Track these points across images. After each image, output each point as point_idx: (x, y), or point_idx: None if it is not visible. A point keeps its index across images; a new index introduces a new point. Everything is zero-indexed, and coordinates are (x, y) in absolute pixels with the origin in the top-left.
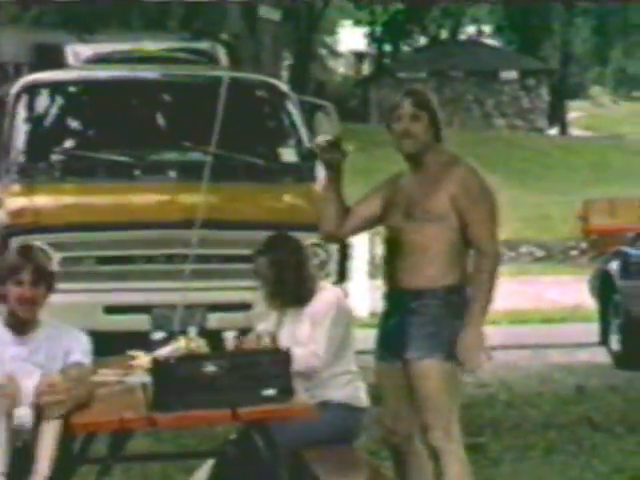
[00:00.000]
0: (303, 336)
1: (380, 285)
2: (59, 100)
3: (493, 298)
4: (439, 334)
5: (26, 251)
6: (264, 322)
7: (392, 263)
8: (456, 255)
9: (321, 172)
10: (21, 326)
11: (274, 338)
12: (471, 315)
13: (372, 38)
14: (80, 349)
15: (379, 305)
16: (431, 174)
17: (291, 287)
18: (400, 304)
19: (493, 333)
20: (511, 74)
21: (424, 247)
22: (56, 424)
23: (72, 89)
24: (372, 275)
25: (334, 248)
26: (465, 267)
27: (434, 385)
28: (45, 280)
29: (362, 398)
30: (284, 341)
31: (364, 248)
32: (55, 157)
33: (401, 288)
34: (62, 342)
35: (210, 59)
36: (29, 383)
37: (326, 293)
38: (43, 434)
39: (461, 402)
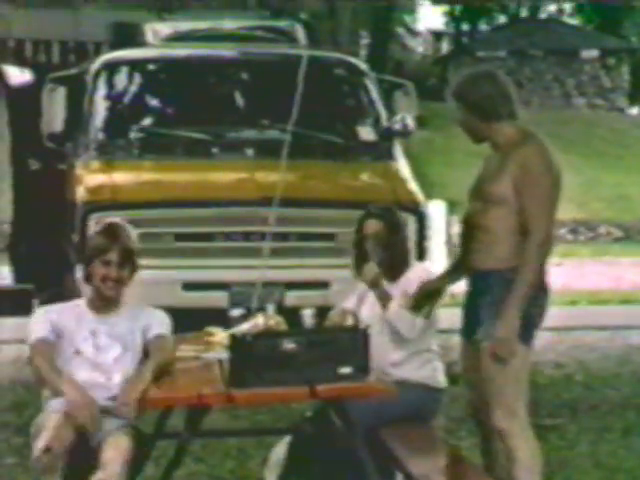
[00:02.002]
0: (396, 310)
1: None
2: (138, 78)
3: (530, 284)
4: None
5: (113, 231)
6: (347, 299)
7: (465, 243)
8: (523, 236)
9: (399, 151)
10: (104, 306)
11: (355, 316)
12: (506, 304)
13: (451, 17)
14: (158, 322)
15: (456, 285)
16: (500, 155)
17: (396, 256)
18: (474, 284)
19: (571, 313)
20: (591, 53)
21: (489, 229)
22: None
23: (151, 67)
24: (450, 255)
25: (413, 228)
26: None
27: (495, 366)
28: (131, 261)
29: (440, 378)
30: (366, 318)
31: (441, 228)
32: (133, 134)
33: (472, 269)
34: (141, 319)
35: (289, 38)
36: (109, 356)
37: (418, 268)
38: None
39: (539, 382)
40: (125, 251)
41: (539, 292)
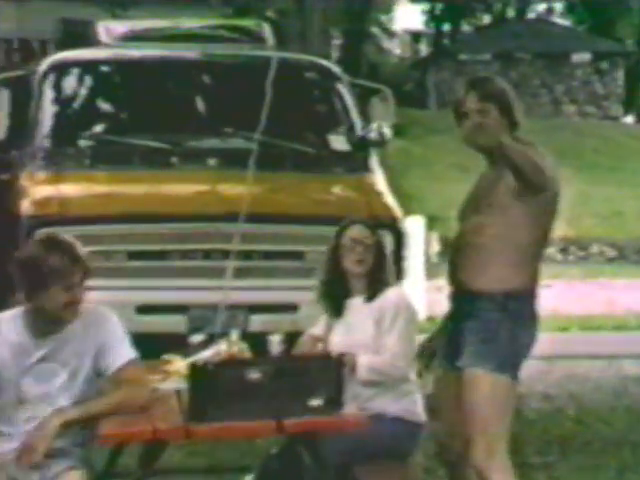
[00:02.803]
0: (366, 339)
1: (439, 286)
2: (90, 80)
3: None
4: (492, 341)
5: (71, 250)
6: (315, 325)
7: (454, 262)
8: (522, 256)
9: (375, 162)
10: (48, 328)
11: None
12: None
13: (431, 16)
14: (119, 338)
15: (436, 308)
16: (498, 167)
17: (381, 271)
18: (460, 307)
19: (562, 340)
20: (583, 56)
21: (484, 246)
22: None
23: (104, 69)
24: (429, 275)
25: (390, 245)
26: (534, 271)
27: (480, 396)
28: (86, 279)
29: (419, 412)
30: (336, 345)
31: (419, 247)
32: (84, 142)
33: (460, 290)
34: (91, 336)
35: (255, 38)
36: (53, 386)
37: (393, 293)
38: None
39: (527, 416)
40: (86, 272)
41: (528, 320)
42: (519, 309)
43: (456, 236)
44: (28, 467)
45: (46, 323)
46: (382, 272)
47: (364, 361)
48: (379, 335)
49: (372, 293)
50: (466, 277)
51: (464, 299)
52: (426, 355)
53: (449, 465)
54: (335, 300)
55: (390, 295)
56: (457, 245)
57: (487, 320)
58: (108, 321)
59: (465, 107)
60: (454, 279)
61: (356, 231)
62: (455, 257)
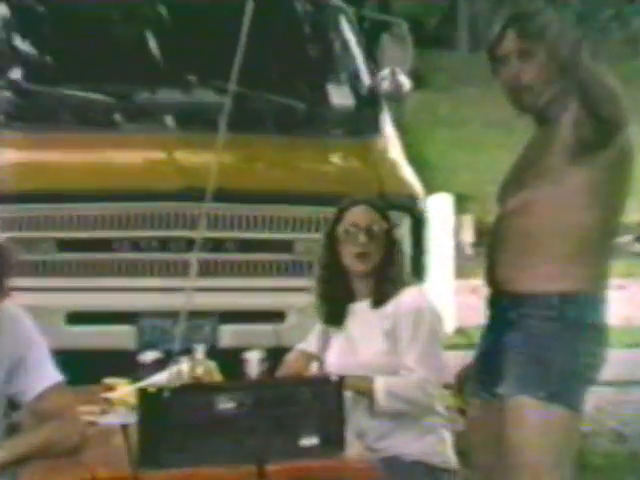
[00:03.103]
0: (375, 357)
1: (473, 287)
2: (3, 11)
3: None
4: (545, 361)
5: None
6: (306, 339)
7: (493, 255)
8: (584, 245)
9: (387, 121)
10: None
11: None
12: None
13: None
14: (38, 354)
15: (470, 316)
16: (555, 124)
17: (393, 269)
18: (500, 314)
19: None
20: None
21: (533, 231)
22: None
23: None
24: (460, 273)
25: (407, 231)
26: (601, 265)
27: (528, 434)
28: (5, 284)
29: (447, 454)
30: (336, 365)
31: (447, 234)
32: None
33: (501, 291)
34: (4, 343)
35: None
36: None
37: (409, 297)
38: None
39: (592, 463)
40: (4, 271)
41: (594, 331)
42: (581, 317)
43: (495, 221)
44: None
45: None
46: (394, 269)
47: (381, 385)
48: (394, 351)
49: (381, 296)
50: (508, 275)
51: (506, 304)
52: (466, 387)
53: None
54: (333, 305)
55: (406, 298)
56: (496, 232)
57: (537, 332)
58: (23, 330)
59: (502, 49)
60: (492, 277)
61: (359, 214)
62: (494, 248)
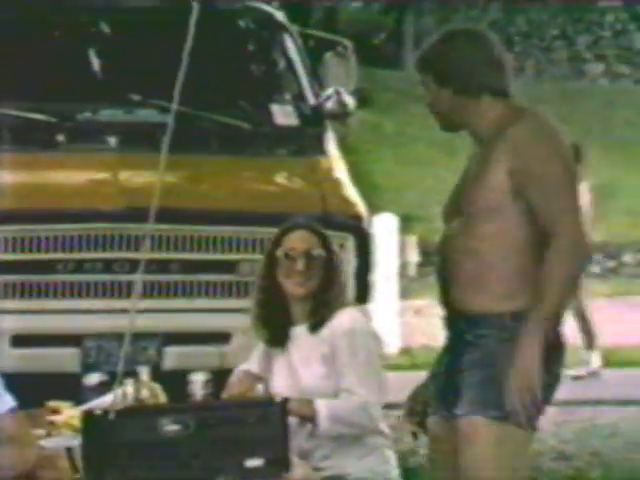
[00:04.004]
0: (314, 382)
1: (418, 308)
2: None
3: (563, 307)
4: (498, 380)
5: None
6: (248, 360)
7: (445, 276)
8: (529, 265)
9: (332, 141)
10: None
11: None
12: (524, 333)
13: None
14: None
15: (415, 337)
16: (484, 148)
17: (332, 292)
18: (457, 335)
19: (583, 380)
20: None
21: (478, 254)
22: None
23: None
24: (405, 294)
25: (351, 252)
26: None
27: (480, 452)
28: None
29: (390, 473)
30: (279, 390)
31: (392, 255)
32: None
33: (456, 312)
34: None
35: None
36: None
37: (343, 318)
38: None
39: None
40: None
41: (549, 350)
42: None
43: (442, 240)
44: None
45: None
46: (332, 293)
47: (323, 409)
48: (333, 375)
49: (318, 321)
50: (461, 295)
51: (462, 325)
52: (418, 409)
53: None
54: (273, 327)
55: (341, 320)
56: (445, 253)
57: (492, 352)
58: None
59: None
60: (447, 299)
61: (298, 239)
62: (445, 269)
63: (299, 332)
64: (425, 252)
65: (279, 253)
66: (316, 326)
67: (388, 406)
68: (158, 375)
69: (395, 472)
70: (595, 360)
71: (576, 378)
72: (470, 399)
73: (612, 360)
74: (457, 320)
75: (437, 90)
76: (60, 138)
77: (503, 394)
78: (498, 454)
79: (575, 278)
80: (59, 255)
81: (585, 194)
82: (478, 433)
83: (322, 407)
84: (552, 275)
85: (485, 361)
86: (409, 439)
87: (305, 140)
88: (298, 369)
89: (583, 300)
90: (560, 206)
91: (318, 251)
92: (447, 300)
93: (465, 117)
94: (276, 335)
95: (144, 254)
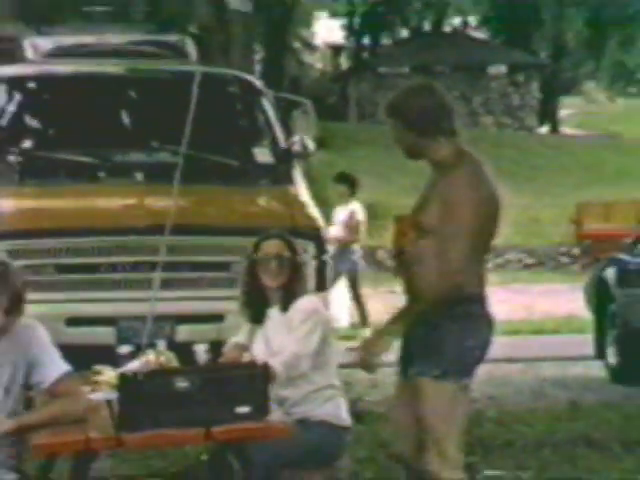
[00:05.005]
0: (277, 346)
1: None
2: (17, 96)
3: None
4: (439, 349)
5: (3, 272)
6: (238, 333)
7: (404, 270)
8: (467, 262)
9: (298, 174)
10: None
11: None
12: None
13: (350, 30)
14: (49, 352)
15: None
16: (434, 177)
17: (296, 282)
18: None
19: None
20: (499, 69)
21: (421, 260)
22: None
23: (31, 85)
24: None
25: (313, 254)
26: (480, 275)
27: (427, 405)
28: (19, 307)
29: (344, 416)
30: (258, 353)
31: None
32: (12, 158)
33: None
34: (22, 349)
35: (178, 53)
36: None
37: (302, 301)
38: None
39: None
40: (16, 296)
41: (478, 323)
42: (465, 313)
43: (395, 248)
44: None
45: None
46: (297, 285)
47: (275, 363)
48: (285, 339)
49: (286, 304)
50: (409, 288)
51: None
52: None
53: (410, 470)
54: (255, 310)
55: (300, 303)
56: (399, 256)
57: (432, 328)
58: (37, 336)
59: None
60: (404, 289)
61: (271, 246)
62: (400, 267)
63: (273, 313)
64: (367, 253)
65: (258, 256)
66: (285, 308)
67: (342, 366)
68: (172, 346)
69: (346, 415)
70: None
71: (351, 349)
72: (418, 363)
73: (504, 330)
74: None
75: (403, 131)
76: (101, 174)
77: (445, 359)
78: (438, 405)
79: (446, 290)
80: (100, 259)
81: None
82: (426, 389)
83: (273, 363)
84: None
85: (427, 334)
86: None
87: (278, 174)
88: (272, 340)
89: (359, 291)
90: (450, 239)
91: (286, 254)
92: (405, 289)
93: (424, 152)
94: (257, 315)
95: (162, 258)
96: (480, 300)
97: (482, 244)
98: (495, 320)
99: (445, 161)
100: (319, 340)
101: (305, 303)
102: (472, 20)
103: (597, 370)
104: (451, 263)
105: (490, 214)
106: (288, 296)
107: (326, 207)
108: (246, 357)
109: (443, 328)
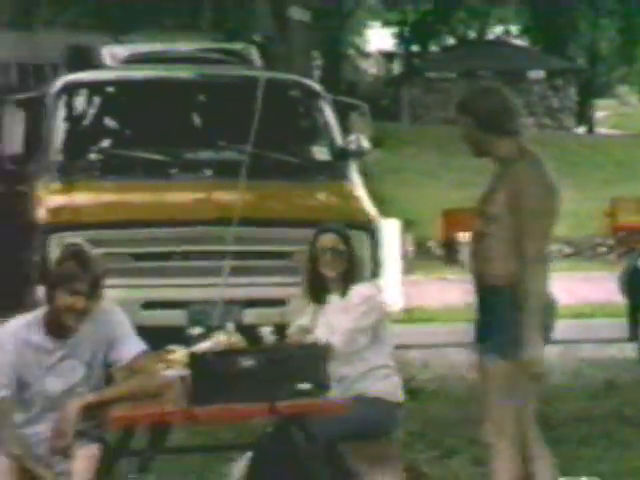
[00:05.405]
0: (336, 327)
1: (414, 281)
2: (97, 100)
3: (539, 298)
4: (500, 330)
5: (84, 258)
6: (302, 317)
7: (473, 259)
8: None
9: (353, 171)
10: (63, 331)
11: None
12: (524, 326)
13: (401, 38)
14: (127, 332)
15: (411, 300)
16: (498, 171)
17: (351, 270)
18: (479, 299)
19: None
20: (539, 74)
21: (489, 246)
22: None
23: (110, 89)
24: (404, 271)
25: (367, 245)
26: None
27: (488, 381)
28: (99, 292)
29: (398, 393)
30: (321, 336)
31: (395, 246)
32: (93, 156)
33: (478, 284)
34: (102, 331)
35: (243, 59)
36: (73, 379)
37: (359, 287)
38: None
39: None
40: (95, 281)
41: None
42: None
43: (472, 234)
44: (61, 452)
45: (59, 327)
46: (352, 273)
47: (332, 340)
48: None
49: (344, 291)
50: (480, 273)
51: (482, 292)
52: None
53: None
54: (316, 295)
55: (358, 289)
56: (472, 243)
57: (497, 311)
58: (116, 317)
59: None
60: (474, 274)
61: (327, 239)
62: (472, 254)
63: (333, 298)
64: (418, 244)
65: (317, 249)
66: (343, 294)
67: (398, 347)
68: (240, 328)
69: (400, 392)
70: None
71: None
72: (485, 343)
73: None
74: (480, 288)
75: (472, 128)
76: (173, 171)
77: (503, 339)
78: (500, 381)
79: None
80: (173, 248)
81: None
82: (485, 366)
83: (333, 339)
84: (528, 279)
85: (494, 317)
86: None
87: (336, 170)
88: (332, 322)
89: None
90: (529, 226)
91: (341, 247)
92: (474, 274)
93: (489, 149)
94: (319, 299)
95: (229, 247)
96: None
97: (544, 233)
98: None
99: (508, 157)
100: (374, 321)
101: (361, 289)
102: (513, 29)
103: (630, 351)
104: (528, 253)
105: (551, 205)
106: (345, 283)
107: (379, 201)
108: (309, 339)
109: (506, 312)
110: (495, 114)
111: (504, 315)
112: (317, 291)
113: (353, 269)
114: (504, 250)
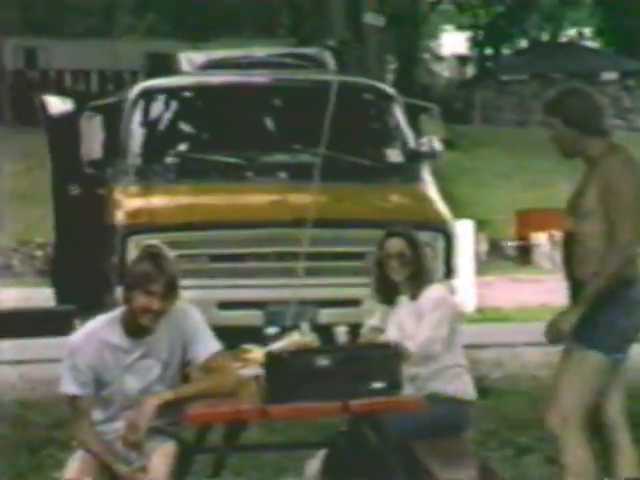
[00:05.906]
0: (410, 330)
1: (488, 282)
2: (174, 105)
3: (602, 290)
4: (592, 325)
5: (160, 260)
6: (373, 317)
7: (565, 255)
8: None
9: (427, 172)
10: (140, 331)
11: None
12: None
13: (474, 42)
14: (203, 332)
15: (486, 300)
16: (589, 169)
17: (418, 275)
18: (572, 294)
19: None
20: (612, 75)
21: (582, 242)
22: (168, 448)
23: (186, 94)
24: (478, 271)
25: (441, 246)
26: (634, 258)
27: (569, 371)
28: (174, 292)
29: (470, 391)
30: (392, 337)
31: (469, 247)
32: (170, 159)
33: (571, 279)
34: (178, 330)
35: (318, 64)
36: (150, 377)
37: (431, 290)
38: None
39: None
40: (170, 283)
41: (632, 305)
42: (622, 296)
43: (563, 232)
44: (132, 445)
45: (138, 325)
46: (421, 277)
47: (411, 344)
48: (418, 325)
49: (413, 294)
50: (573, 268)
51: (575, 287)
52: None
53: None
54: (386, 297)
55: (429, 292)
56: (564, 240)
57: (594, 305)
58: (192, 317)
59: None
60: (566, 270)
61: (393, 244)
62: (564, 250)
63: (404, 299)
64: (492, 244)
65: (384, 253)
66: (414, 297)
67: (468, 346)
68: (315, 328)
69: (472, 391)
70: None
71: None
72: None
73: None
74: (573, 284)
75: (562, 129)
76: (249, 174)
77: (582, 331)
78: (571, 372)
79: (621, 270)
80: (249, 250)
81: None
82: (562, 358)
83: (410, 344)
84: (606, 268)
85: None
86: (482, 368)
87: (408, 172)
88: (403, 324)
89: None
90: (621, 220)
91: (407, 252)
92: (566, 270)
93: (580, 149)
94: (390, 302)
95: (304, 249)
96: (636, 284)
97: (636, 226)
98: None
99: (599, 155)
100: (450, 329)
101: (434, 292)
102: (586, 31)
103: None
104: (617, 242)
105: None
106: (415, 287)
107: (452, 203)
108: (381, 339)
109: (599, 309)
110: (586, 114)
111: (598, 313)
112: (386, 293)
113: (421, 273)
114: (598, 245)
